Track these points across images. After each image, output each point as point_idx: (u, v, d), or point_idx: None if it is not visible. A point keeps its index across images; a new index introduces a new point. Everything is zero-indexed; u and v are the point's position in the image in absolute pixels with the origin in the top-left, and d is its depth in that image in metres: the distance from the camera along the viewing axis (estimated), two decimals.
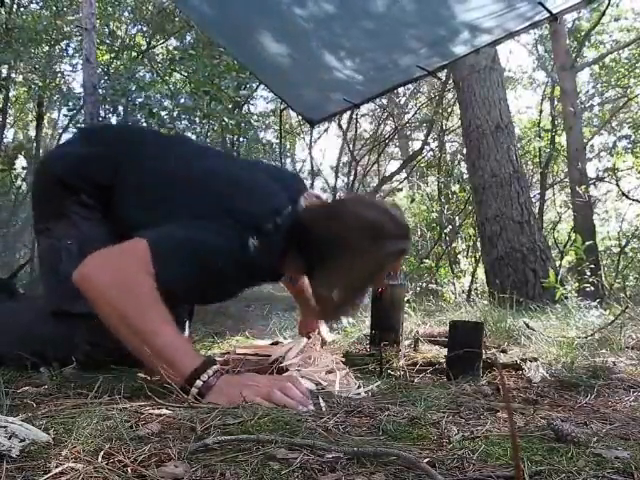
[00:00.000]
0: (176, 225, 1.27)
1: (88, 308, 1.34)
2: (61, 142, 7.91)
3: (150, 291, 1.13)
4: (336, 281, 1.36)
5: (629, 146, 8.87)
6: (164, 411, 0.94)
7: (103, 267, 1.17)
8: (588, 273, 4.13)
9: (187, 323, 1.71)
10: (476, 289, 7.16)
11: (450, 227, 8.99)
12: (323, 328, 1.97)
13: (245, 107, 7.99)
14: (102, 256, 1.18)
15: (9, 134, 10.64)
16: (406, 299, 3.08)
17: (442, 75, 7.27)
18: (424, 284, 6.53)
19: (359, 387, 1.23)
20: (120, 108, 5.72)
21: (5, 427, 0.71)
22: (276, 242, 1.35)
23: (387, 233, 1.33)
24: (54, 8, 7.70)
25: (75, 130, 7.07)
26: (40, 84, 7.88)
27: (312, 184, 9.17)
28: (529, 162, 9.31)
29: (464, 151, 6.69)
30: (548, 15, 2.27)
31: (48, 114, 9.99)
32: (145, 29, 8.71)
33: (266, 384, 1.08)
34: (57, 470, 0.65)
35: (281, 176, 1.58)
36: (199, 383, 1.06)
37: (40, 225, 1.49)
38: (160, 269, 1.15)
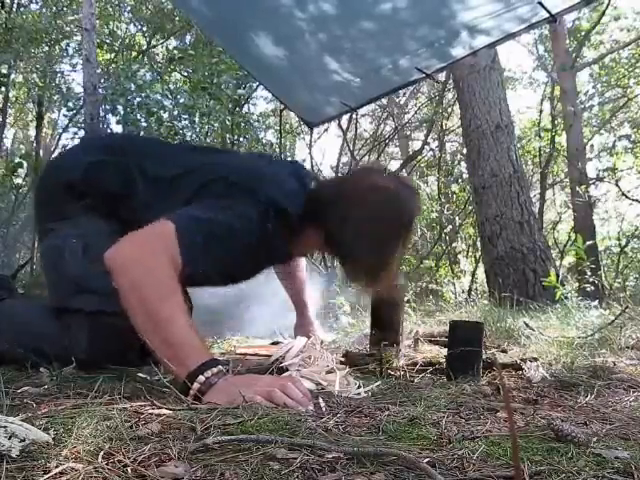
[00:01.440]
0: (200, 206, 1.31)
1: (91, 306, 1.34)
2: (67, 146, 7.93)
3: (172, 278, 1.15)
4: (361, 250, 1.38)
5: (630, 146, 8.87)
6: (164, 411, 0.94)
7: (132, 247, 1.20)
8: (588, 273, 4.13)
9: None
10: (476, 289, 7.17)
11: (450, 227, 8.99)
12: (318, 329, 1.98)
13: (245, 107, 8.00)
14: (133, 237, 1.21)
15: (9, 134, 10.66)
16: (406, 299, 3.08)
17: (442, 75, 7.28)
18: (424, 284, 6.53)
19: (359, 387, 1.23)
20: (120, 108, 5.71)
21: (5, 427, 0.71)
22: (292, 222, 1.39)
23: (401, 195, 1.41)
24: (54, 8, 7.70)
25: (75, 130, 7.08)
26: (40, 84, 7.88)
27: None
28: (529, 162, 9.31)
29: (464, 151, 6.70)
30: (547, 16, 2.27)
31: (48, 114, 9.98)
32: (145, 29, 8.71)
33: (267, 384, 1.08)
34: (57, 470, 0.65)
35: (284, 163, 1.67)
36: (202, 379, 1.06)
37: (43, 226, 1.51)
38: (186, 251, 1.18)
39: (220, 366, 1.10)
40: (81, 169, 1.48)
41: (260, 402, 1.01)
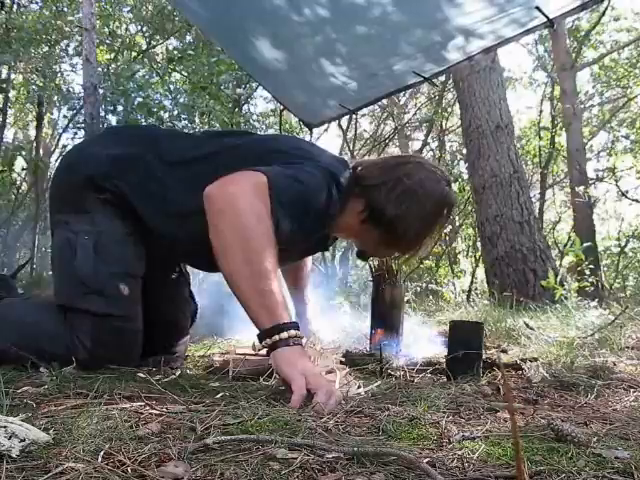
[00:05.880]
0: (279, 167, 1.30)
1: (98, 308, 1.34)
2: (67, 146, 7.92)
3: (272, 231, 1.18)
4: (405, 227, 1.42)
5: (630, 146, 8.87)
6: (164, 411, 0.94)
7: (236, 190, 1.19)
8: (588, 273, 4.13)
9: (190, 322, 1.71)
10: (476, 289, 7.17)
11: (450, 227, 8.99)
12: (318, 329, 1.97)
13: (245, 107, 8.00)
14: (235, 181, 1.21)
15: (9, 134, 10.65)
16: (406, 299, 3.09)
17: (441, 77, 7.27)
18: (424, 284, 6.53)
19: (359, 387, 1.23)
20: (120, 108, 5.71)
21: (5, 427, 0.71)
22: (342, 190, 1.40)
23: (444, 183, 1.47)
24: (54, 8, 7.70)
25: (75, 130, 7.08)
26: (40, 84, 7.88)
27: None
28: (529, 162, 9.31)
29: (464, 151, 6.70)
30: (545, 21, 2.27)
31: (48, 114, 9.98)
32: (145, 29, 8.71)
33: (325, 380, 1.10)
34: (57, 470, 0.65)
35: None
36: (284, 335, 1.10)
37: (58, 217, 1.47)
38: (277, 208, 1.20)
39: (299, 331, 1.14)
40: (101, 162, 1.44)
41: (300, 389, 1.03)
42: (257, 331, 1.15)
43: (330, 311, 2.38)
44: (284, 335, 1.10)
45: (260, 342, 1.14)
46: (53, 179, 1.58)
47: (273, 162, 1.33)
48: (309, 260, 1.99)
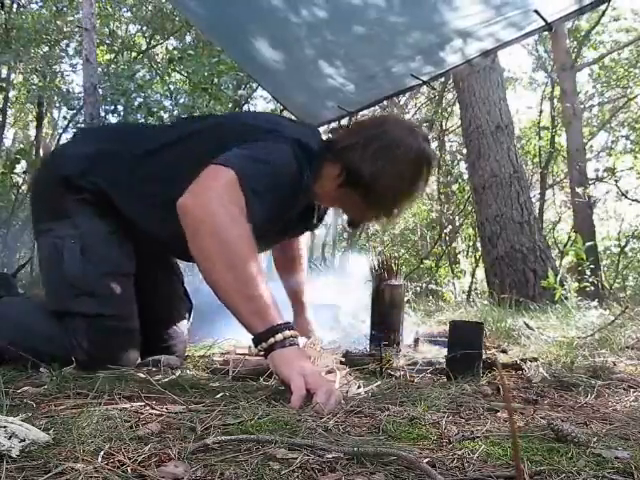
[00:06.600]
0: (243, 150, 1.27)
1: (90, 309, 1.34)
2: (61, 142, 7.92)
3: (251, 234, 1.16)
4: (383, 184, 1.37)
5: (630, 146, 8.87)
6: (164, 411, 0.94)
7: (204, 198, 1.17)
8: (588, 273, 4.13)
9: (187, 321, 1.71)
10: (476, 289, 7.17)
11: (450, 227, 8.99)
12: (317, 328, 1.97)
13: (245, 107, 7.99)
14: (203, 188, 1.18)
15: (9, 134, 10.65)
16: (406, 299, 3.08)
17: (440, 79, 7.27)
18: (424, 284, 6.53)
19: (359, 387, 1.23)
20: (120, 108, 5.71)
21: (5, 427, 0.71)
22: (313, 158, 1.37)
23: (422, 138, 1.42)
24: (54, 8, 7.70)
25: (75, 130, 7.07)
26: (40, 84, 7.88)
27: None
28: (529, 162, 9.31)
29: (464, 151, 6.70)
30: (543, 24, 2.27)
31: (48, 114, 9.98)
32: (145, 29, 8.71)
33: (324, 380, 1.09)
34: (57, 470, 0.65)
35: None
36: (279, 337, 1.10)
37: (41, 226, 1.48)
38: (251, 196, 1.18)
39: (295, 332, 1.14)
40: (76, 162, 1.45)
41: (299, 390, 1.03)
42: (251, 336, 1.14)
43: (330, 311, 2.37)
44: (279, 337, 1.10)
45: (256, 347, 1.13)
46: (31, 189, 1.59)
47: (238, 142, 1.30)
48: (303, 259, 1.97)
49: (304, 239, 1.95)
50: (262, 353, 1.13)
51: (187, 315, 1.71)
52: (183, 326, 1.67)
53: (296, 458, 0.71)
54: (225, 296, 1.14)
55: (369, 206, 1.45)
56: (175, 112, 6.00)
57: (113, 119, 5.85)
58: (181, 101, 6.22)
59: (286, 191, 1.31)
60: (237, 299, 1.13)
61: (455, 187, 9.14)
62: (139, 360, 1.45)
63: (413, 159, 1.39)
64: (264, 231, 1.27)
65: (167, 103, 6.11)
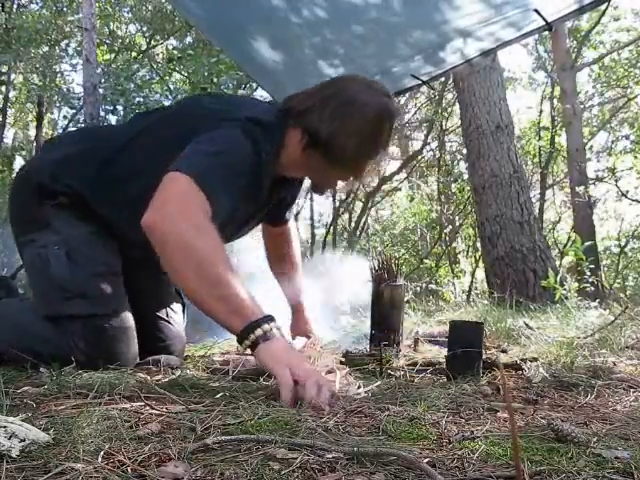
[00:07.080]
0: (195, 148, 1.27)
1: (83, 310, 1.34)
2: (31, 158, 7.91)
3: (217, 236, 1.15)
4: (344, 141, 1.36)
5: (630, 146, 8.87)
6: (164, 411, 0.94)
7: (167, 212, 1.16)
8: (588, 273, 4.12)
9: (182, 320, 1.71)
10: (476, 289, 7.17)
11: (450, 227, 8.99)
12: (317, 328, 1.96)
13: None
14: (164, 202, 1.18)
15: (9, 134, 10.64)
16: (406, 299, 3.08)
17: (440, 79, 7.27)
18: (424, 284, 6.53)
19: (359, 387, 1.23)
20: (119, 108, 5.71)
21: (5, 427, 0.71)
22: (271, 131, 1.36)
23: (384, 104, 1.40)
24: (54, 8, 7.70)
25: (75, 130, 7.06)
26: (40, 84, 7.88)
27: None
28: (529, 162, 9.31)
29: (464, 151, 6.70)
30: (543, 24, 2.27)
31: (48, 114, 9.98)
32: (145, 29, 8.72)
33: (313, 371, 1.09)
34: (57, 470, 0.65)
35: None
36: (259, 331, 1.08)
37: (22, 239, 1.49)
38: (211, 197, 1.18)
39: (277, 323, 1.13)
40: (46, 167, 1.47)
41: (287, 383, 1.02)
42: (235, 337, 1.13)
43: (329, 311, 2.37)
44: (259, 332, 1.09)
45: (240, 345, 1.12)
46: (9, 205, 1.58)
47: (190, 134, 1.30)
48: (298, 258, 1.95)
49: (294, 232, 1.93)
50: (248, 351, 1.13)
51: (182, 314, 1.71)
52: (179, 325, 1.67)
53: (296, 458, 0.71)
54: (202, 303, 1.14)
55: (331, 166, 1.43)
56: None
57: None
58: None
59: (246, 175, 1.31)
60: (212, 303, 1.12)
61: (455, 187, 9.14)
62: (138, 358, 1.45)
63: (371, 115, 1.38)
64: (240, 219, 1.31)
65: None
